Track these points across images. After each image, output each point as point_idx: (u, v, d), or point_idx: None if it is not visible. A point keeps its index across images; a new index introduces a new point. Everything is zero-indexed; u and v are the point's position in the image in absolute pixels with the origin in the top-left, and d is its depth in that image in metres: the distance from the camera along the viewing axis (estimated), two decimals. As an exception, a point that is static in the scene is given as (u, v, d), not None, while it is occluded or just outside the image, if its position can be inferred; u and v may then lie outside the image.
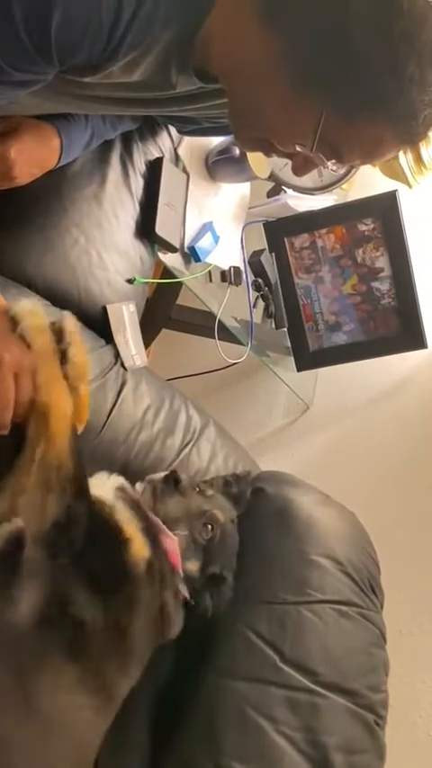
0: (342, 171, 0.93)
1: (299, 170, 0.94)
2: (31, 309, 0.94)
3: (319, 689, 1.12)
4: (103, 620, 0.91)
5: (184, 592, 1.07)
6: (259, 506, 1.31)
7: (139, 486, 1.13)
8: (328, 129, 0.82)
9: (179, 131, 1.45)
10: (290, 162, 0.95)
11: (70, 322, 0.97)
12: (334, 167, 0.90)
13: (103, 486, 1.07)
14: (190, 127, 1.29)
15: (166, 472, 1.13)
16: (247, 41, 0.81)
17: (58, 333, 0.95)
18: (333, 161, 0.88)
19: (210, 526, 1.10)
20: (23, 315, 0.93)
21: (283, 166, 1.65)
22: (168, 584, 1.04)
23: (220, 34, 0.84)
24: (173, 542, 1.05)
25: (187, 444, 1.35)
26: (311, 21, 0.76)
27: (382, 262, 1.72)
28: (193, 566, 1.08)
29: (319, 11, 0.75)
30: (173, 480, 1.10)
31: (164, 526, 1.05)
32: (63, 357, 0.94)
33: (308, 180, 1.68)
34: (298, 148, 0.87)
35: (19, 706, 0.84)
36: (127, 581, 0.96)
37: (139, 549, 0.99)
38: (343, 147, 0.85)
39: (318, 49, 0.77)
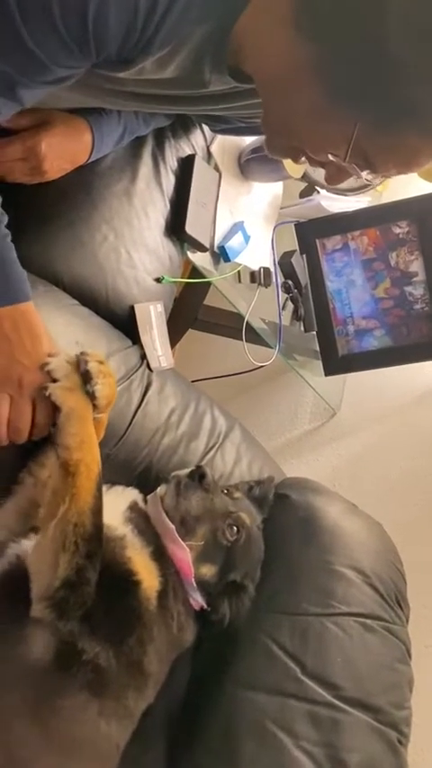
0: (377, 180, 0.90)
1: (332, 179, 0.92)
2: (66, 370, 0.94)
3: (341, 704, 1.10)
4: (118, 662, 0.91)
5: (199, 600, 1.05)
6: (284, 514, 1.29)
7: (162, 487, 1.11)
8: (361, 140, 0.80)
9: (212, 129, 1.43)
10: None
11: (96, 356, 0.97)
12: (368, 177, 0.88)
13: (117, 502, 1.06)
14: (222, 125, 1.27)
15: (191, 468, 1.11)
16: (280, 47, 0.79)
17: (85, 374, 0.94)
18: (367, 171, 0.86)
19: (235, 528, 1.07)
20: (57, 370, 0.93)
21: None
22: (179, 596, 1.03)
23: (252, 36, 0.82)
24: (184, 553, 1.02)
25: (212, 448, 1.33)
26: (346, 29, 0.73)
27: (417, 266, 1.69)
28: (209, 570, 1.05)
29: (354, 19, 0.72)
30: (198, 475, 1.08)
31: (176, 536, 1.03)
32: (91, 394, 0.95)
33: (342, 181, 1.65)
34: (331, 158, 0.85)
35: (37, 738, 0.84)
36: (138, 624, 0.96)
37: (150, 585, 0.98)
38: (377, 157, 0.83)
39: (352, 58, 0.74)
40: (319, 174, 1.64)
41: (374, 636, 1.18)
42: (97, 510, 0.90)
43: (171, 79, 0.89)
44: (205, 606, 1.06)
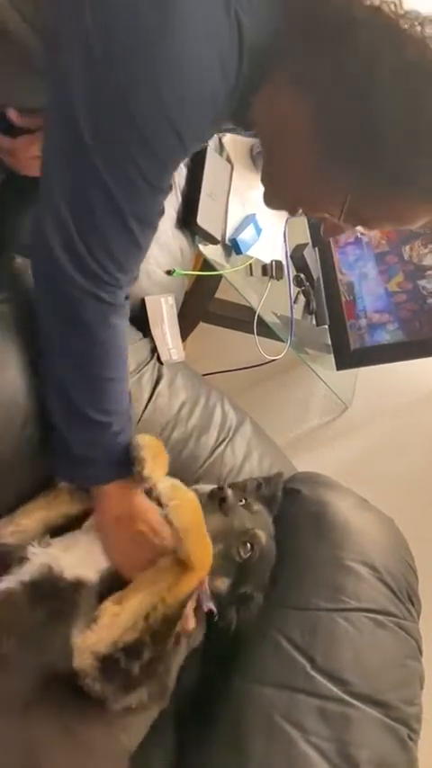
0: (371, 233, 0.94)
1: (328, 233, 0.95)
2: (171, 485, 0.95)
3: (350, 699, 1.09)
4: (148, 693, 0.93)
5: (210, 605, 1.05)
6: (294, 508, 1.28)
7: None
8: (355, 203, 0.82)
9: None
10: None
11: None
12: (362, 231, 0.90)
13: None
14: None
15: (213, 486, 1.10)
16: (283, 102, 0.81)
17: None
18: (362, 227, 0.89)
19: (249, 545, 1.07)
20: (164, 492, 0.93)
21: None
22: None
23: (262, 105, 0.84)
24: None
25: (222, 442, 1.33)
26: (341, 98, 0.75)
27: (431, 259, 1.67)
28: (222, 583, 1.05)
29: (349, 90, 0.74)
30: (219, 499, 1.07)
31: None
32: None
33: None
34: (326, 216, 0.88)
35: (59, 742, 0.86)
36: (168, 657, 0.96)
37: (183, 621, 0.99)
38: (371, 218, 0.86)
39: (346, 125, 0.76)
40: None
41: (385, 631, 1.17)
42: (185, 604, 0.93)
43: None
44: (214, 611, 1.06)
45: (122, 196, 0.76)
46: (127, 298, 0.92)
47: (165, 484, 0.93)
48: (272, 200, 0.96)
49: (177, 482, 0.95)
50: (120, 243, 0.81)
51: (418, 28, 0.74)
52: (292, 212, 0.95)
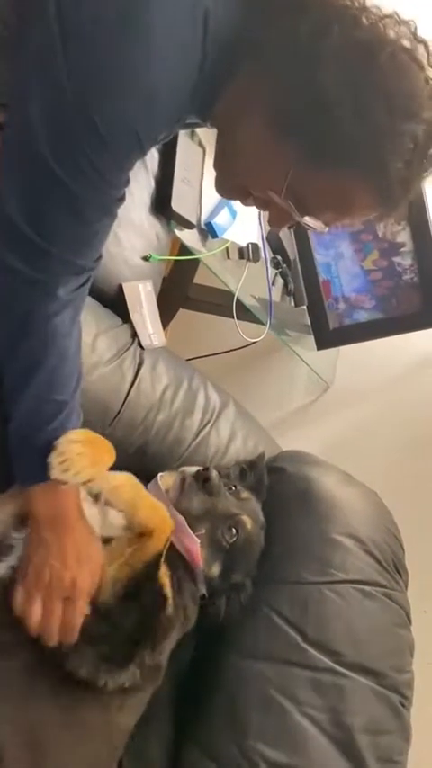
0: (319, 225, 0.91)
1: (273, 222, 0.94)
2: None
3: (342, 669, 1.12)
4: (142, 674, 0.94)
5: (203, 590, 1.06)
6: (280, 486, 1.29)
7: (166, 475, 1.11)
8: (297, 178, 0.82)
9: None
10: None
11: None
12: (309, 223, 0.88)
13: None
14: None
15: (198, 468, 1.11)
16: (240, 91, 0.81)
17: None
18: (308, 216, 0.87)
19: (234, 530, 1.07)
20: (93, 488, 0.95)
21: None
22: (188, 591, 1.04)
23: (227, 98, 0.83)
24: (195, 545, 1.03)
25: (206, 425, 1.33)
26: (290, 67, 0.75)
27: (404, 236, 1.68)
28: (215, 569, 1.06)
29: (298, 59, 0.74)
30: (202, 479, 1.08)
31: (188, 528, 1.03)
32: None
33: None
34: (271, 195, 0.86)
35: (57, 723, 0.88)
36: (164, 637, 0.98)
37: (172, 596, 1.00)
38: (312, 197, 0.84)
39: (290, 92, 0.76)
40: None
41: (373, 602, 1.19)
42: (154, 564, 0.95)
43: None
44: (206, 595, 1.07)
45: (76, 187, 0.75)
46: (84, 284, 0.89)
47: (86, 479, 0.90)
48: (222, 184, 0.95)
49: (101, 471, 0.93)
50: (71, 226, 0.80)
51: (375, 12, 0.75)
52: (243, 198, 0.94)
